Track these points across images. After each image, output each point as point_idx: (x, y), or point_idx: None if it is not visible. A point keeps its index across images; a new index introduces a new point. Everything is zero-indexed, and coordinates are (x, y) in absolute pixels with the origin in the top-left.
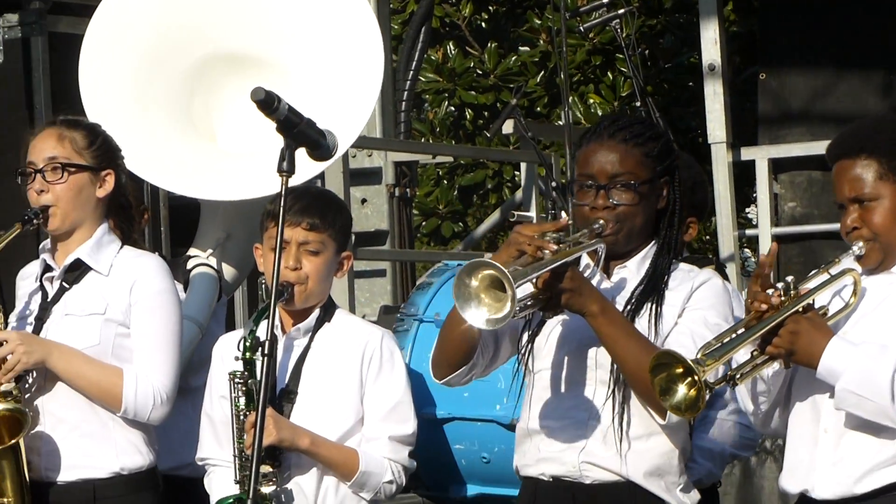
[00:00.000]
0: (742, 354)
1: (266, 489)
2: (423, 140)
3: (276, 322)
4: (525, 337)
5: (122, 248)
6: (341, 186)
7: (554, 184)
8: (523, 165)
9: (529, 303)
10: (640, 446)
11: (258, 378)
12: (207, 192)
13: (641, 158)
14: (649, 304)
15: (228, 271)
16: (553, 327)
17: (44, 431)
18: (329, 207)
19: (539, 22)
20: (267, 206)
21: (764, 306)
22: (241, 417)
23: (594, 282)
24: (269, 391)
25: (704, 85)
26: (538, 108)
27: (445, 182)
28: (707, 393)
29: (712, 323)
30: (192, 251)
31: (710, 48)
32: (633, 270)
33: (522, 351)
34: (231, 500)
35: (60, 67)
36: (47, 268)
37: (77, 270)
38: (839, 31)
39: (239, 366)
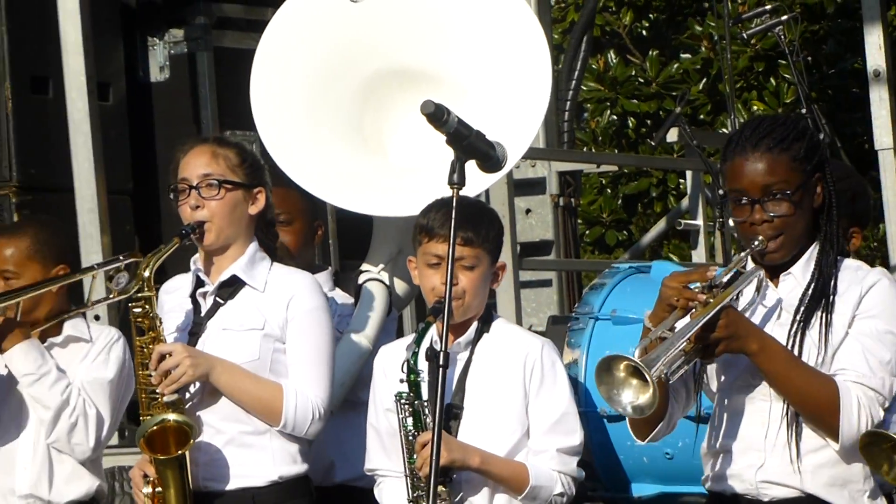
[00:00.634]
0: None
1: None
2: (585, 149)
3: (436, 338)
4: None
5: (272, 264)
6: (506, 197)
7: (721, 192)
8: (688, 173)
9: (685, 362)
10: (818, 458)
11: (424, 398)
12: (378, 209)
13: (790, 164)
14: (819, 313)
15: (400, 286)
16: None
17: (202, 442)
18: (482, 220)
19: (700, 29)
20: (419, 221)
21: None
22: (410, 438)
23: (762, 295)
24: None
25: (870, 91)
26: (701, 116)
27: (609, 191)
28: None
29: (883, 331)
30: (364, 266)
31: (875, 53)
32: (798, 276)
33: (696, 378)
34: None
35: (226, 82)
36: (199, 283)
37: (231, 286)
38: None
39: (404, 387)
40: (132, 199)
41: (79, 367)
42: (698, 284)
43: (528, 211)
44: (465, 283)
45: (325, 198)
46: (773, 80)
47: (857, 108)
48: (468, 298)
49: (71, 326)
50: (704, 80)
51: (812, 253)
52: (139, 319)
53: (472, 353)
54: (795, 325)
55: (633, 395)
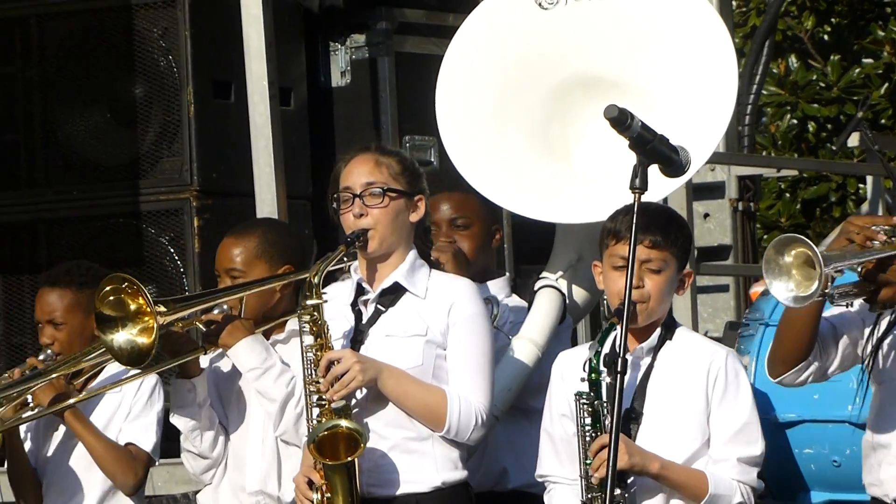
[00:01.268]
0: None
1: None
2: (764, 153)
3: (618, 342)
4: (870, 344)
5: (431, 271)
6: (684, 201)
7: None
8: (869, 179)
9: (852, 291)
10: None
11: (604, 399)
12: (561, 216)
13: None
14: None
15: (579, 294)
16: None
17: (367, 448)
18: (671, 225)
19: (883, 34)
20: (606, 224)
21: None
22: (588, 438)
23: None
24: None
25: None
26: (882, 121)
27: (788, 195)
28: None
29: None
30: (543, 273)
31: None
32: None
33: (866, 360)
34: None
35: (406, 87)
36: (360, 291)
37: (393, 294)
38: None
39: (584, 386)
40: (311, 203)
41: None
42: (882, 228)
43: (706, 215)
44: (650, 286)
45: (507, 206)
46: None
47: None
48: (652, 303)
49: (293, 323)
50: (886, 84)
51: None
52: (308, 326)
53: (654, 358)
54: None
55: (795, 286)
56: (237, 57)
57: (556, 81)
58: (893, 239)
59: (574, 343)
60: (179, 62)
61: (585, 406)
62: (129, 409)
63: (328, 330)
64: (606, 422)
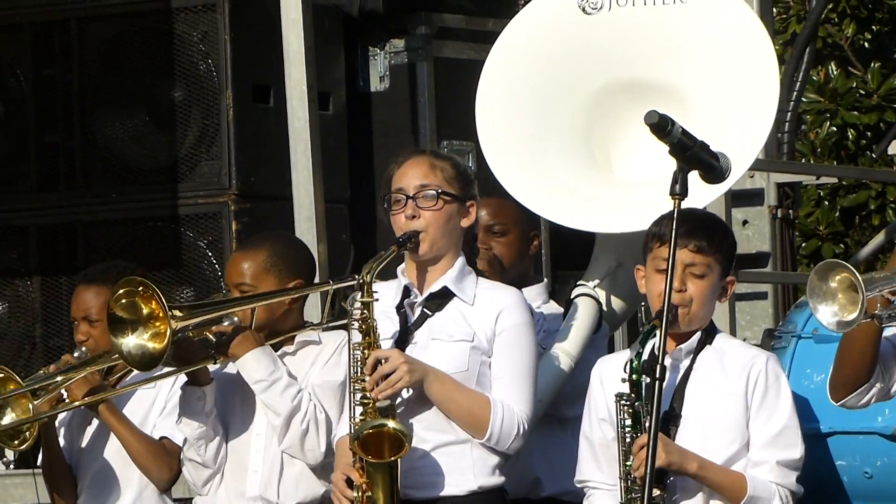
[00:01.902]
0: None
1: None
2: (804, 160)
3: (658, 344)
4: None
5: (478, 279)
6: (722, 208)
7: None
8: None
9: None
10: None
11: (644, 400)
12: (602, 225)
13: None
14: None
15: (617, 301)
16: None
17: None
18: (716, 231)
19: None
20: (652, 228)
21: None
22: (627, 440)
23: None
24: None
25: None
26: None
27: (827, 203)
28: None
29: None
30: (581, 280)
31: None
32: None
33: None
34: None
35: (445, 92)
36: (405, 293)
37: (441, 298)
38: None
39: (625, 388)
40: (349, 207)
41: (310, 371)
42: None
43: (745, 222)
44: (693, 291)
45: (545, 214)
46: None
47: None
48: (695, 307)
49: (303, 335)
50: None
51: None
52: (358, 324)
53: (693, 360)
54: None
55: (839, 310)
56: (276, 61)
57: (597, 87)
58: None
59: (611, 351)
60: (219, 66)
61: (626, 407)
62: (163, 405)
63: (377, 329)
64: (646, 423)
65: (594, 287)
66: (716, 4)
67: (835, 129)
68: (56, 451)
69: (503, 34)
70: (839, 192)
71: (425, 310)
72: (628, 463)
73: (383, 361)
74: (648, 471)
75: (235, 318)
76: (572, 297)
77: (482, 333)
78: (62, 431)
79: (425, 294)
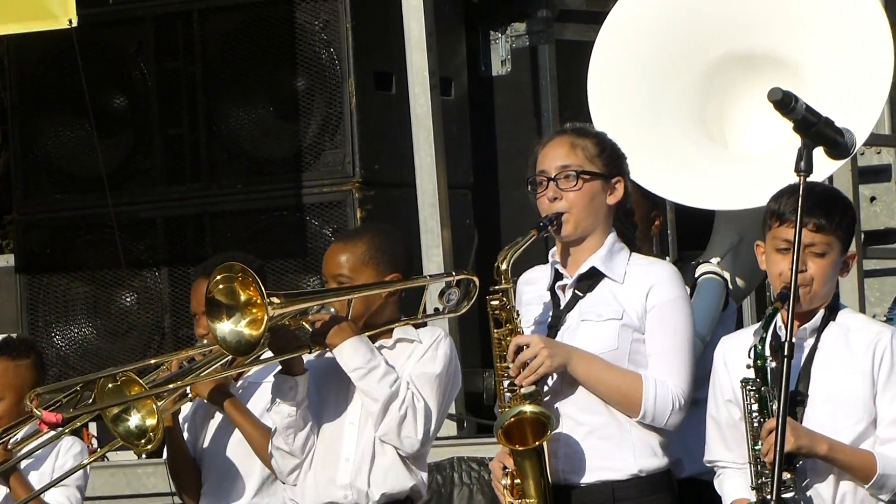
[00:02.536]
0: None
1: (784, 496)
2: None
3: (780, 324)
4: None
5: (630, 254)
6: (849, 184)
7: None
8: None
9: None
10: None
11: (770, 384)
12: (720, 202)
13: None
14: None
15: (741, 276)
16: None
17: (562, 433)
18: (835, 207)
19: None
20: (770, 205)
21: None
22: (756, 424)
23: None
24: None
25: None
26: None
27: None
28: None
29: None
30: (702, 258)
31: None
32: None
33: None
34: None
35: (567, 75)
36: (558, 276)
37: (590, 279)
38: None
39: (750, 373)
40: (472, 192)
41: (406, 364)
42: None
43: (872, 199)
44: (813, 270)
45: (662, 192)
46: None
47: None
48: (816, 286)
49: (400, 331)
50: None
51: None
52: (497, 311)
53: (817, 340)
54: None
55: None
56: (398, 48)
57: (710, 61)
58: None
59: (739, 325)
60: (341, 54)
61: (752, 392)
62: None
63: (518, 315)
64: (773, 407)
65: (717, 263)
66: None
67: None
68: (180, 447)
69: (612, 12)
70: None
71: (576, 291)
72: (757, 447)
73: (525, 347)
74: (778, 455)
75: (332, 309)
76: (697, 276)
77: (632, 311)
78: (185, 426)
79: (575, 276)
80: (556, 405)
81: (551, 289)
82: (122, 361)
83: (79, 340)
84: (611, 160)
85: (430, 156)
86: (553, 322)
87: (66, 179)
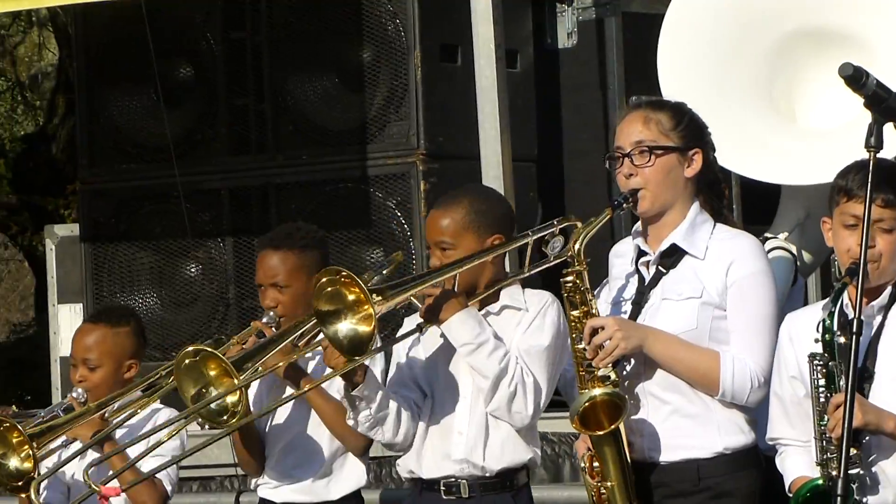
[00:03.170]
0: None
1: (850, 471)
2: None
3: (847, 301)
4: None
5: (714, 226)
6: None
7: None
8: None
9: None
10: None
11: (838, 360)
12: (787, 177)
13: None
14: None
15: (807, 252)
16: None
17: (647, 413)
18: None
19: None
20: (837, 180)
21: None
22: (822, 400)
23: None
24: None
25: None
26: None
27: None
28: None
29: None
30: (768, 233)
31: None
32: None
33: None
34: (814, 485)
35: (633, 48)
36: (641, 252)
37: (672, 255)
38: None
39: (817, 348)
40: (537, 165)
41: (514, 334)
42: None
43: None
44: (882, 245)
45: (731, 166)
46: None
47: None
48: (884, 262)
49: (507, 295)
50: None
51: None
52: (570, 294)
53: (885, 317)
54: None
55: None
56: (464, 20)
57: (779, 35)
58: None
59: (805, 301)
60: (407, 26)
61: (819, 367)
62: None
63: (592, 297)
64: (841, 382)
65: (784, 239)
66: None
67: None
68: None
69: None
70: None
71: (660, 268)
72: (823, 423)
73: (600, 330)
74: (845, 431)
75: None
76: (766, 250)
77: (712, 287)
78: (253, 399)
79: (657, 252)
80: (639, 385)
81: (635, 264)
82: (186, 332)
83: (143, 310)
84: (688, 132)
85: (495, 128)
86: (637, 299)
87: (131, 149)
